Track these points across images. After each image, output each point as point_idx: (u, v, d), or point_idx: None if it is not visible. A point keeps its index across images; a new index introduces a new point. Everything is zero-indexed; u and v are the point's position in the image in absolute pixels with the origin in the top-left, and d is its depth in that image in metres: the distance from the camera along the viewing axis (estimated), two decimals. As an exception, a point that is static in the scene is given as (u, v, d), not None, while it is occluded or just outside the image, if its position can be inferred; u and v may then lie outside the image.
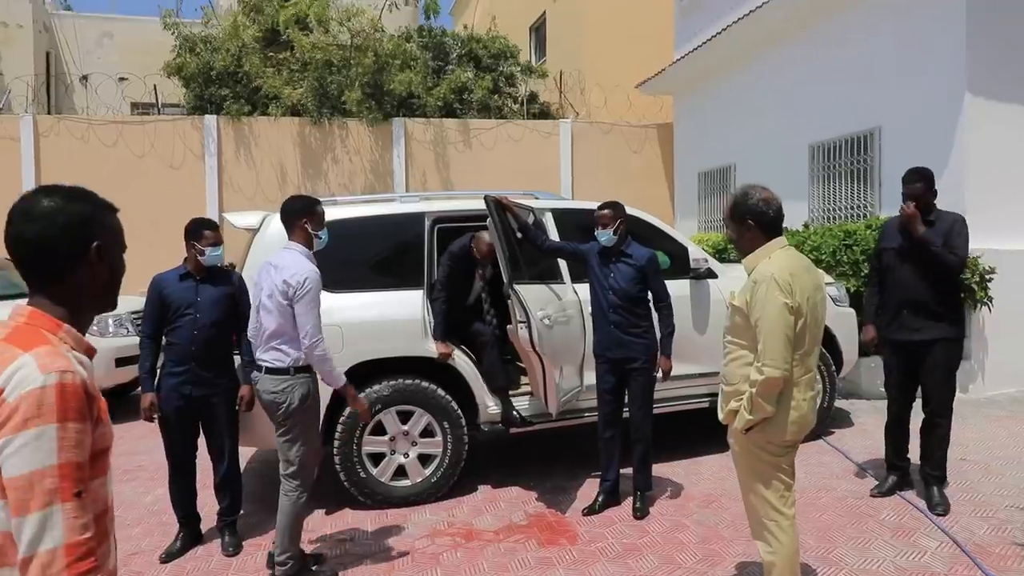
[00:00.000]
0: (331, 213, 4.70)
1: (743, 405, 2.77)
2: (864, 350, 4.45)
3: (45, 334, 1.37)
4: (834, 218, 8.77)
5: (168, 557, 3.96)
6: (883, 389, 7.09)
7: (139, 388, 4.12)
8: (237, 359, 4.15)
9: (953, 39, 7.11)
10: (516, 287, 4.21)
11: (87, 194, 1.48)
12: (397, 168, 12.48)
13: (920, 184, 4.37)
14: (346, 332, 4.47)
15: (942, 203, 6.88)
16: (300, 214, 3.58)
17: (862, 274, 6.79)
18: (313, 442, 3.66)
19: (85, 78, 15.63)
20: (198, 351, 3.93)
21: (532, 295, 4.30)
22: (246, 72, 12.49)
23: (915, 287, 4.25)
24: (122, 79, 14.62)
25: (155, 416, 3.94)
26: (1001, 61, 7.05)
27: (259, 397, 3.59)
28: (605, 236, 4.38)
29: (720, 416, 2.98)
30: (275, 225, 4.62)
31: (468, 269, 5.05)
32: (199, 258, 3.97)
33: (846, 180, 8.65)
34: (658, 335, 4.42)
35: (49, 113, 14.02)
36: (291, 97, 12.21)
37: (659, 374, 4.40)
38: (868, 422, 6.28)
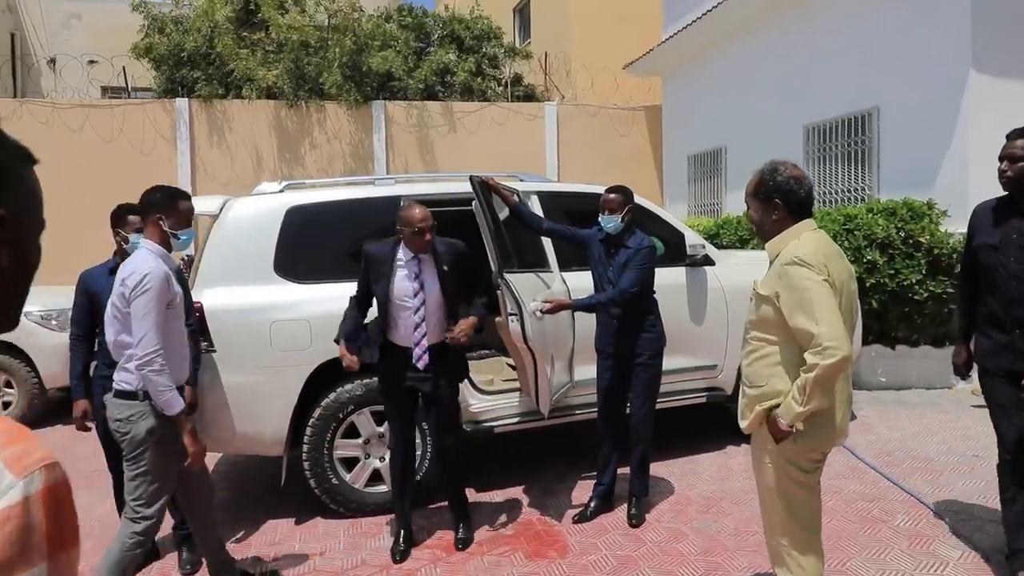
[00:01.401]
0: (299, 197, 4.36)
1: (792, 395, 2.33)
2: (957, 372, 3.70)
3: None
4: (830, 202, 8.47)
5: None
6: (882, 379, 6.87)
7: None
8: None
9: (958, 14, 6.78)
10: (506, 276, 3.85)
11: None
12: (378, 152, 12.07)
13: None
14: (315, 327, 4.10)
15: (943, 189, 6.63)
16: (155, 209, 3.02)
17: (865, 260, 6.48)
18: (167, 483, 3.07)
19: (52, 61, 15.04)
20: None
21: (521, 285, 3.94)
22: (219, 53, 12.00)
23: None
24: (91, 62, 14.06)
25: (89, 425, 3.55)
26: (1008, 36, 6.73)
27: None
28: (612, 223, 4.00)
29: (743, 424, 2.60)
30: (236, 211, 4.25)
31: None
32: (124, 247, 3.57)
33: (842, 162, 8.34)
34: (605, 300, 3.93)
35: (15, 96, 13.46)
36: (266, 79, 11.75)
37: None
38: (870, 415, 6.00)
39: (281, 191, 4.42)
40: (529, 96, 13.91)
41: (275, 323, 4.05)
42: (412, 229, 3.50)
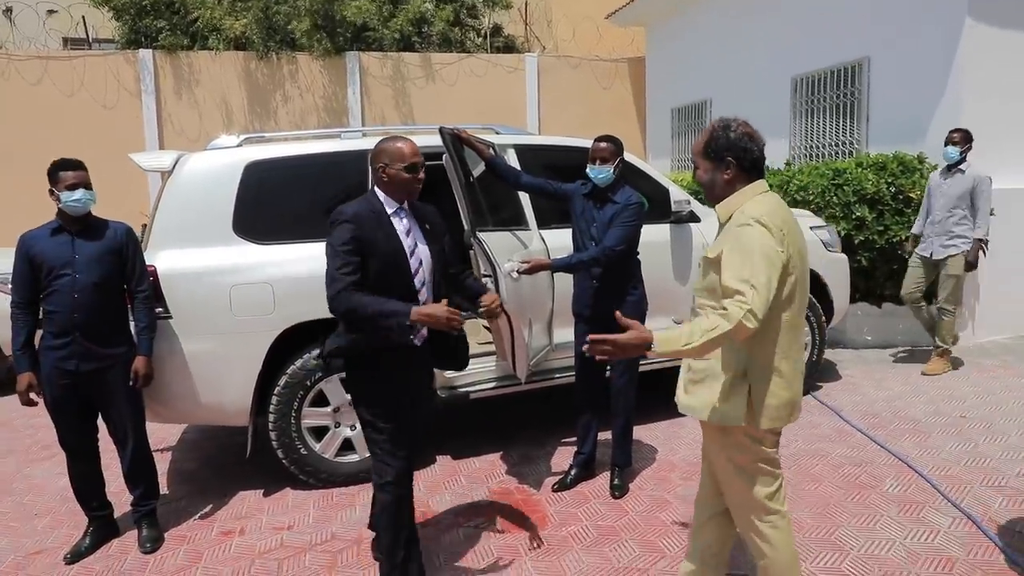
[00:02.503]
0: (258, 152, 4.08)
1: (685, 333, 2.05)
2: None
3: None
4: (817, 156, 8.25)
5: (74, 557, 3.39)
6: (868, 338, 6.75)
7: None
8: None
9: (953, -43, 6.50)
10: (479, 235, 3.61)
11: None
12: (353, 105, 11.65)
13: None
14: (278, 290, 3.86)
15: (935, 143, 6.42)
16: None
17: (853, 216, 6.30)
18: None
19: (8, 10, 14.32)
20: (81, 318, 3.27)
21: (496, 244, 3.71)
22: (183, 2, 11.44)
23: None
24: (50, 11, 13.42)
25: (35, 399, 3.30)
26: (1005, -19, 6.48)
27: None
28: (603, 174, 3.73)
29: (682, 400, 2.45)
30: (191, 167, 3.97)
31: None
32: (59, 206, 3.28)
33: (831, 115, 8.11)
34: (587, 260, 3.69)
35: (-31, 48, 12.81)
36: (233, 29, 11.23)
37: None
38: (856, 374, 5.89)
39: (239, 145, 4.13)
40: (509, 47, 13.47)
41: (235, 287, 3.80)
42: (404, 164, 2.78)
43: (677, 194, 4.84)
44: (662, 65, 11.77)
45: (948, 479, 3.82)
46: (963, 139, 5.67)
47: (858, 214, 6.27)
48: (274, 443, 3.96)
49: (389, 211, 2.82)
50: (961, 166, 5.68)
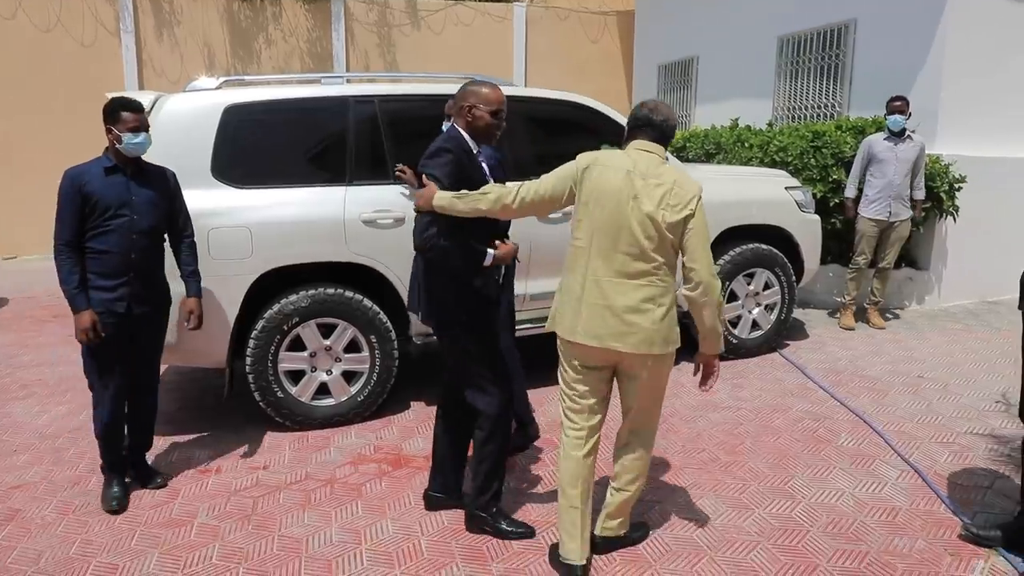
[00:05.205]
0: (238, 95, 4.07)
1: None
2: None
3: None
4: (800, 117, 8.29)
5: (119, 505, 3.34)
6: (838, 298, 6.90)
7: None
8: None
9: (943, -81, 6.47)
10: None
11: None
12: (338, 50, 11.48)
13: None
14: (256, 235, 3.91)
15: (914, 107, 6.48)
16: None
17: (830, 179, 6.38)
18: None
19: (-19, -62, 13.83)
20: (138, 260, 3.25)
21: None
22: (163, -63, 11.10)
23: None
24: (25, -59, 12.99)
25: (98, 335, 3.21)
26: (992, -54, 6.47)
27: None
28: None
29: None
30: (169, 109, 3.96)
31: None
32: (116, 146, 3.21)
33: (814, 76, 8.13)
34: None
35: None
36: (216, -33, 10.96)
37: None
38: (823, 334, 6.05)
39: (218, 88, 4.12)
40: (498, -4, 13.26)
41: (213, 230, 3.84)
42: (491, 108, 2.87)
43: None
44: (651, 20, 11.65)
45: (900, 435, 4.00)
46: (907, 106, 5.82)
47: (835, 177, 6.36)
48: (251, 385, 4.05)
49: (473, 150, 2.94)
50: (908, 133, 5.82)
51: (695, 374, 2.76)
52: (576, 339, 2.64)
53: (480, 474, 3.03)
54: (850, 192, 6.08)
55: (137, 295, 3.29)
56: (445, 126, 3.75)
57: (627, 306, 2.56)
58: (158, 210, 3.34)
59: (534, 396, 4.60)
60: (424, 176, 2.80)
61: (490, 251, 2.86)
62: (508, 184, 2.73)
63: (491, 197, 2.70)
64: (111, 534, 3.12)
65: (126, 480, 3.50)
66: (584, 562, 2.71)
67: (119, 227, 3.21)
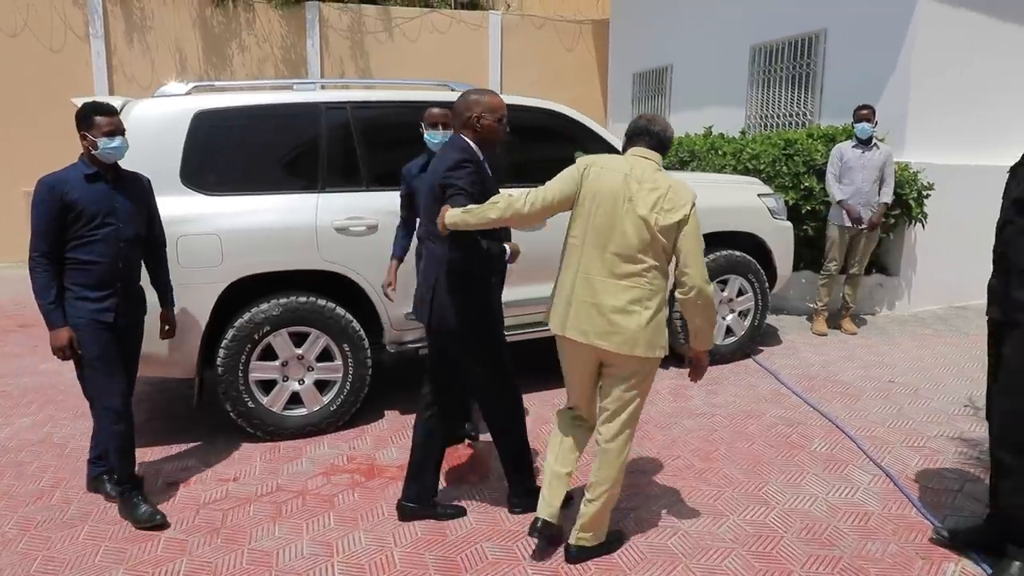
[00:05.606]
0: (208, 101, 4.02)
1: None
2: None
3: None
4: (772, 125, 8.38)
5: (163, 518, 3.20)
6: (811, 304, 6.97)
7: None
8: None
9: (910, -68, 6.59)
10: None
11: None
12: (312, 57, 11.42)
13: None
14: (225, 242, 3.85)
15: (883, 115, 6.58)
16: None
17: (802, 186, 6.45)
18: None
19: (-54, -59, 13.57)
20: (124, 270, 3.18)
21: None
22: (134, -59, 10.98)
23: None
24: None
25: (75, 353, 3.13)
26: (957, -41, 6.60)
27: None
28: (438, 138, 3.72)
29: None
30: (138, 115, 3.89)
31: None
32: (92, 152, 3.11)
33: (786, 85, 8.22)
34: None
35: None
36: (187, -28, 10.85)
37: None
38: (796, 339, 6.10)
39: (188, 93, 4.06)
40: (473, 4, 13.27)
41: (182, 237, 3.78)
42: (497, 116, 2.94)
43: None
44: (625, 28, 11.74)
45: (872, 439, 4.03)
46: (873, 114, 5.93)
47: (806, 184, 6.43)
48: (222, 396, 3.98)
49: (481, 159, 2.95)
50: (875, 140, 5.91)
51: (685, 366, 2.88)
52: (564, 334, 2.75)
53: (512, 456, 3.20)
54: (840, 195, 6.01)
55: (123, 305, 3.23)
56: (435, 135, 3.72)
57: (614, 306, 2.64)
58: (140, 217, 3.28)
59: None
60: (446, 191, 2.79)
61: (506, 245, 2.94)
62: (513, 192, 2.75)
63: (501, 206, 2.71)
64: (74, 550, 3.04)
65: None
66: (547, 517, 2.84)
67: (106, 236, 3.12)
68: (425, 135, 3.76)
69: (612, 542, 2.96)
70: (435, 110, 3.72)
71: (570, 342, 2.77)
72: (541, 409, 4.48)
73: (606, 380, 2.81)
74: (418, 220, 3.65)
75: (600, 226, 2.67)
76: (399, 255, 3.92)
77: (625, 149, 2.84)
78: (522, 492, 3.26)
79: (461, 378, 3.14)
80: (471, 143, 2.93)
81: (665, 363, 5.08)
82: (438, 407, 3.16)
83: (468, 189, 2.79)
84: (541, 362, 4.43)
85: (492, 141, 2.97)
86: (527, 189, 2.77)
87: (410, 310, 4.23)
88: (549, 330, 2.88)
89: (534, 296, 4.37)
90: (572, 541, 2.87)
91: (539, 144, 4.75)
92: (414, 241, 3.62)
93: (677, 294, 2.69)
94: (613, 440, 2.81)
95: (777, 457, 3.83)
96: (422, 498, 3.23)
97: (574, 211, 2.76)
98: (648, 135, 2.79)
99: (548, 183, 2.79)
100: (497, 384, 3.08)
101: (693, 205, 2.66)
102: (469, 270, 2.91)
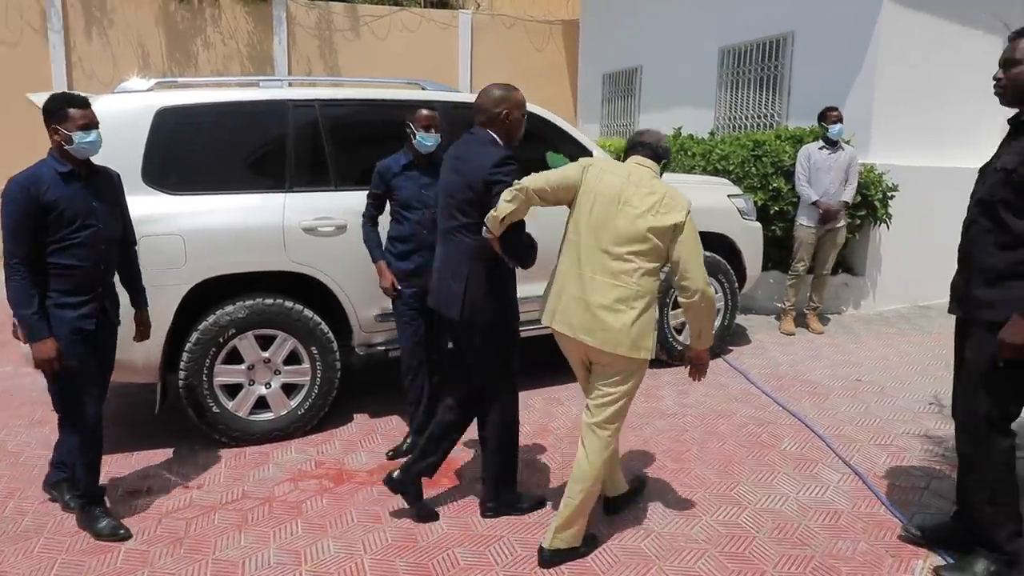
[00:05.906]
0: (171, 98, 3.91)
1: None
2: None
3: None
4: (740, 127, 8.45)
5: (127, 532, 3.09)
6: (779, 304, 7.04)
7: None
8: None
9: (875, -64, 6.68)
10: None
11: None
12: (279, 55, 11.25)
13: None
14: (189, 242, 3.75)
15: (849, 117, 6.66)
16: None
17: (770, 187, 6.51)
18: None
19: None
20: (105, 273, 3.04)
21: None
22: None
23: None
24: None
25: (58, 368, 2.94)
26: (921, -37, 6.71)
27: None
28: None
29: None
30: (99, 108, 3.71)
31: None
32: (65, 147, 2.89)
33: (754, 87, 8.29)
34: None
35: None
36: (150, -34, 10.62)
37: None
38: (765, 339, 6.15)
39: (151, 89, 3.95)
40: (443, 3, 13.21)
41: (144, 238, 3.65)
42: (523, 111, 3.03)
43: (602, 157, 4.88)
44: (595, 29, 11.76)
45: (840, 438, 4.07)
46: (841, 117, 6.00)
47: (775, 185, 6.48)
48: (184, 401, 3.88)
49: None
50: (841, 142, 6.00)
51: (685, 366, 3.02)
52: (554, 326, 2.84)
53: (497, 467, 3.18)
54: (814, 195, 6.02)
55: (103, 310, 3.09)
56: (428, 138, 3.69)
57: (601, 303, 2.69)
58: (116, 217, 3.13)
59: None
60: (492, 188, 2.84)
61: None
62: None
63: (509, 199, 2.77)
64: (28, 563, 2.92)
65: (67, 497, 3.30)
66: (547, 545, 2.85)
67: (87, 238, 2.95)
68: (417, 137, 3.69)
69: (586, 546, 2.93)
70: (426, 112, 3.69)
71: (559, 335, 2.86)
72: (547, 405, 4.43)
73: (592, 376, 2.88)
74: (419, 213, 3.68)
75: (596, 224, 2.75)
76: (383, 257, 3.81)
77: (626, 157, 2.96)
78: (496, 498, 3.23)
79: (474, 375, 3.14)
80: (496, 138, 2.98)
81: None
82: (467, 387, 3.16)
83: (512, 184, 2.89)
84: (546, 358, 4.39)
85: (516, 135, 3.06)
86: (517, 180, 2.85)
87: (379, 312, 4.20)
88: (547, 329, 2.93)
89: (534, 295, 4.34)
90: (547, 544, 2.84)
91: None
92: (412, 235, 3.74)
93: (681, 300, 2.77)
94: (594, 438, 2.83)
95: (748, 457, 3.84)
96: (424, 473, 3.21)
97: (573, 209, 2.84)
98: (643, 146, 2.93)
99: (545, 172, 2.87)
100: (504, 384, 3.09)
101: (688, 211, 2.73)
102: (501, 263, 2.94)
